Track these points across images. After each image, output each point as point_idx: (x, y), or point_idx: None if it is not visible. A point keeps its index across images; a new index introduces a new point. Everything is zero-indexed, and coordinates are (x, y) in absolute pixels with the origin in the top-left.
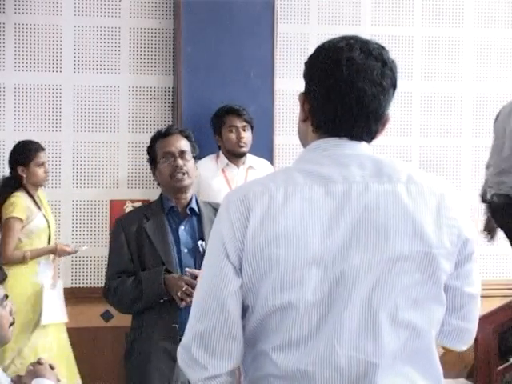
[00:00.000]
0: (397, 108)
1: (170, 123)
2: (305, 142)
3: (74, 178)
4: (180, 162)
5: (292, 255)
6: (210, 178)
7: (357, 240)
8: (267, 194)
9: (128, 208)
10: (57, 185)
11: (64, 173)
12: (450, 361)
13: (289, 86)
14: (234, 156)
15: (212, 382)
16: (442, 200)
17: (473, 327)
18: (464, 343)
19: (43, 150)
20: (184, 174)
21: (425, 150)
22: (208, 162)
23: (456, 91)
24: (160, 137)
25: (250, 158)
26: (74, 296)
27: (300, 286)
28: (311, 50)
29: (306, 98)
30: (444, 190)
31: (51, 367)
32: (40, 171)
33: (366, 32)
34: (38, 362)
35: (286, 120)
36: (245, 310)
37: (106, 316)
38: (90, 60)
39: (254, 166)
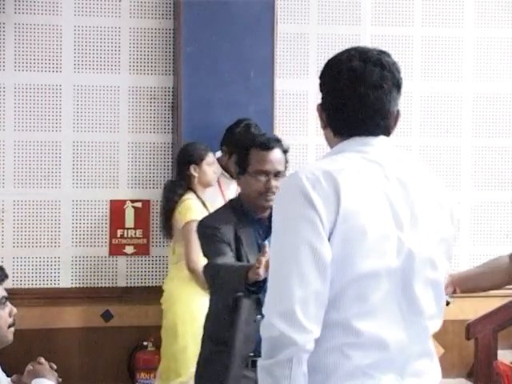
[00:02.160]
0: None
1: (170, 123)
2: (330, 146)
3: (74, 178)
4: (273, 183)
5: (376, 226)
6: None
7: (411, 222)
8: (348, 172)
9: (128, 208)
10: (57, 185)
11: (64, 173)
12: (450, 361)
13: (289, 86)
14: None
15: (313, 344)
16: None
17: None
18: None
19: (211, 150)
20: (274, 193)
21: (425, 150)
22: None
23: (456, 91)
24: (259, 147)
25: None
26: (74, 296)
27: (384, 255)
28: (311, 50)
29: (322, 108)
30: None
31: (51, 367)
32: (210, 170)
33: (366, 32)
34: (38, 362)
35: (286, 120)
36: None
37: (106, 316)
38: (90, 60)
39: None
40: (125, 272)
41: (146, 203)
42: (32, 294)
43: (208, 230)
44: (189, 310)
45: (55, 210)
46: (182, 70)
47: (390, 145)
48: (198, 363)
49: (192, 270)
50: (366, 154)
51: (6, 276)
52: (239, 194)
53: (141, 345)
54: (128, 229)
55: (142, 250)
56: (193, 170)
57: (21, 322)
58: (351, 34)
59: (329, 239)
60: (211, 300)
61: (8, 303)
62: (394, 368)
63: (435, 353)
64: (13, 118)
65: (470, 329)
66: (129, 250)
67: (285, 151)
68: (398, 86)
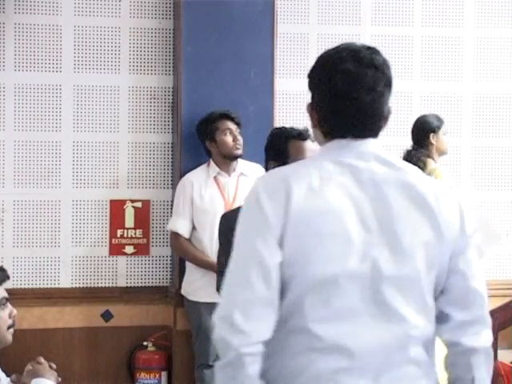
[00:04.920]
0: (397, 108)
1: (170, 123)
2: (320, 144)
3: (74, 178)
4: None
5: (336, 231)
6: (202, 188)
7: (383, 226)
8: (305, 177)
9: (128, 208)
10: (57, 185)
11: (64, 173)
12: None
13: (289, 86)
14: (230, 159)
15: (255, 347)
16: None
17: None
18: None
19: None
20: None
21: None
22: (199, 172)
23: (456, 91)
24: (296, 138)
25: (241, 164)
26: (74, 296)
27: (344, 260)
28: (311, 50)
29: (313, 108)
30: (450, 194)
31: (50, 367)
32: (446, 139)
33: (366, 32)
34: (38, 362)
35: (286, 120)
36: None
37: (106, 316)
38: (90, 60)
39: (244, 173)
40: (125, 272)
41: (146, 203)
42: (32, 294)
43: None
44: None
45: (55, 210)
46: (182, 70)
47: (377, 147)
48: None
49: None
50: (343, 157)
51: (8, 277)
52: None
53: (141, 345)
54: (128, 229)
55: (142, 250)
56: (431, 139)
57: (21, 322)
58: (351, 34)
59: (281, 244)
60: None
61: (8, 304)
62: (366, 375)
63: (433, 358)
64: (13, 118)
65: None
66: (129, 250)
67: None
68: (389, 85)
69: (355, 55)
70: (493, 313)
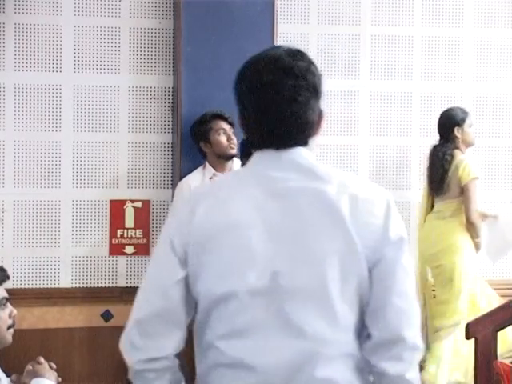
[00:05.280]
0: (397, 108)
1: (170, 123)
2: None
3: (74, 178)
4: None
5: (236, 245)
6: None
7: (293, 237)
8: (212, 193)
9: (128, 208)
10: (57, 185)
11: (64, 173)
12: None
13: None
14: (224, 159)
15: (157, 363)
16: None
17: None
18: None
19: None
20: None
21: (425, 150)
22: (196, 175)
23: (456, 91)
24: None
25: (236, 163)
26: (74, 296)
27: (243, 275)
28: (311, 50)
29: (241, 119)
30: (374, 197)
31: (50, 367)
32: (471, 132)
33: (366, 32)
34: (38, 362)
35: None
36: (196, 302)
37: (106, 316)
38: (90, 60)
39: None
40: (125, 272)
41: (146, 203)
42: (32, 294)
43: None
44: (466, 261)
45: (55, 210)
46: (182, 70)
47: (303, 155)
48: None
49: (472, 223)
50: (261, 169)
51: (8, 277)
52: None
53: None
54: (128, 229)
55: (142, 250)
56: (456, 132)
57: (21, 322)
58: (351, 34)
59: (185, 262)
60: None
61: (8, 304)
62: None
63: (364, 374)
64: (13, 118)
65: (470, 329)
66: (129, 250)
67: None
68: (315, 91)
69: (275, 64)
70: (493, 313)
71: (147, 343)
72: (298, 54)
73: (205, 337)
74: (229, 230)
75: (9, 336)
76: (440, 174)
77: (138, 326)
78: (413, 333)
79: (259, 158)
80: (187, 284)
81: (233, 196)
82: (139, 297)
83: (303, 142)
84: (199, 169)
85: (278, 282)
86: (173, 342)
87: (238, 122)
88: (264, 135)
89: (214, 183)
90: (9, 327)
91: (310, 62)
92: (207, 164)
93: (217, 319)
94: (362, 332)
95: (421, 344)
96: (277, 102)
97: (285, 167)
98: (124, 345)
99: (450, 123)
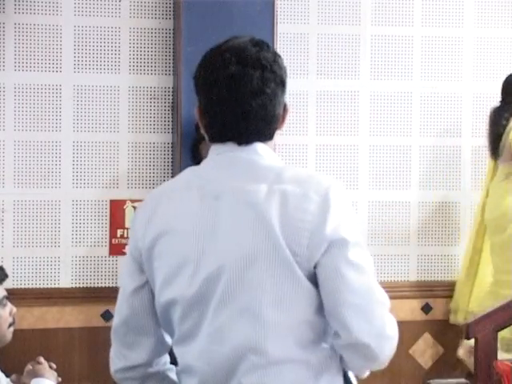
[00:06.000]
0: (397, 108)
1: (170, 123)
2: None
3: (73, 178)
4: None
5: (170, 253)
6: None
7: (223, 239)
8: (154, 199)
9: (128, 208)
10: (57, 185)
11: (64, 173)
12: (450, 361)
13: (289, 85)
14: None
15: (128, 373)
16: (295, 200)
17: None
18: None
19: None
20: None
21: (425, 150)
22: None
23: (456, 91)
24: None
25: None
26: (74, 296)
27: (180, 282)
28: (311, 50)
29: (200, 112)
30: (307, 191)
31: (50, 367)
32: None
33: (366, 32)
34: (38, 362)
35: (286, 120)
36: None
37: (106, 316)
38: (90, 60)
39: None
40: None
41: None
42: (32, 294)
43: None
44: None
45: (55, 210)
46: (182, 70)
47: (258, 152)
48: None
49: None
50: (204, 167)
51: (6, 276)
52: None
53: None
54: (128, 229)
55: None
56: None
57: (21, 322)
58: (351, 34)
59: (142, 270)
60: None
61: (8, 302)
62: None
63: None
64: (13, 118)
65: (470, 329)
66: None
67: None
68: (282, 84)
69: (239, 55)
70: (493, 313)
71: (123, 352)
72: (263, 45)
73: (172, 342)
74: (163, 238)
75: (9, 334)
76: (494, 136)
77: (113, 334)
78: (375, 331)
79: (210, 154)
80: (150, 290)
81: (174, 200)
82: (117, 302)
83: (269, 136)
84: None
85: (209, 288)
86: (146, 349)
87: (196, 114)
88: (226, 129)
89: (163, 185)
90: (9, 325)
91: (275, 54)
92: None
93: (171, 325)
94: (327, 330)
95: (390, 331)
96: (243, 94)
97: (226, 166)
98: (110, 354)
99: (510, 87)
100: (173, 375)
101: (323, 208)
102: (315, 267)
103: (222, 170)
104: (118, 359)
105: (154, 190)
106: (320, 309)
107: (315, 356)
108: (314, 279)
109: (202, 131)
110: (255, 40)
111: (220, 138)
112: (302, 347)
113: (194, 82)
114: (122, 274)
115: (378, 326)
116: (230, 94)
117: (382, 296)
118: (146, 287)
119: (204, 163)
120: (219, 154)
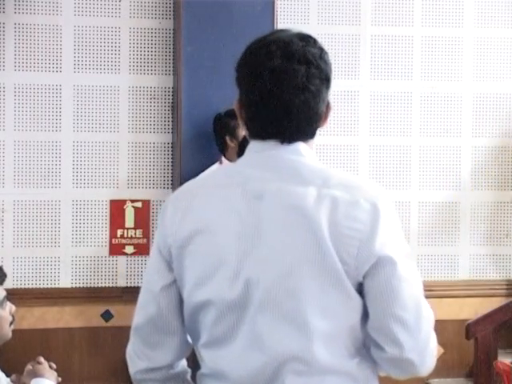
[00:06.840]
0: (397, 108)
1: (170, 123)
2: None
3: (73, 178)
4: None
5: (206, 252)
6: None
7: (267, 242)
8: (189, 194)
9: (128, 208)
10: (57, 185)
11: (64, 173)
12: (450, 361)
13: None
14: None
15: (150, 374)
16: (345, 207)
17: None
18: None
19: None
20: None
21: (425, 150)
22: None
23: (456, 91)
24: None
25: None
26: (73, 296)
27: (217, 283)
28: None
29: (240, 105)
30: (358, 198)
31: (50, 367)
32: None
33: (366, 32)
34: (38, 362)
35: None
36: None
37: (106, 316)
38: (90, 60)
39: None
40: (125, 272)
41: (146, 203)
42: (32, 294)
43: None
44: None
45: (55, 210)
46: (182, 70)
47: (298, 151)
48: None
49: None
50: (244, 165)
51: (5, 275)
52: None
53: None
54: (128, 229)
55: (142, 250)
56: None
57: (21, 322)
58: (351, 34)
59: (171, 268)
60: None
61: (7, 302)
62: None
63: None
64: (13, 118)
65: (470, 329)
66: (129, 249)
67: None
68: (327, 80)
69: (285, 49)
70: (493, 313)
71: (146, 352)
72: (309, 40)
73: (195, 344)
74: (200, 236)
75: (10, 332)
76: None
77: (135, 333)
78: (420, 347)
79: (249, 152)
80: (178, 289)
81: (212, 196)
82: (138, 303)
83: (311, 134)
84: (216, 165)
85: (249, 292)
86: (171, 350)
87: (235, 107)
88: (267, 125)
89: (196, 180)
90: (10, 323)
91: (322, 49)
92: (224, 160)
93: (199, 327)
94: (365, 341)
95: (433, 348)
96: (286, 90)
97: (269, 166)
98: (127, 353)
99: None
100: (189, 378)
101: (373, 217)
102: (364, 277)
103: (264, 168)
104: (140, 360)
105: (185, 185)
106: (363, 320)
107: (359, 368)
108: (359, 289)
109: (241, 123)
110: (302, 34)
111: (261, 134)
112: (345, 358)
113: (235, 74)
114: (148, 271)
115: (423, 343)
116: (272, 89)
117: (428, 312)
118: (174, 286)
119: (243, 160)
120: (260, 152)
